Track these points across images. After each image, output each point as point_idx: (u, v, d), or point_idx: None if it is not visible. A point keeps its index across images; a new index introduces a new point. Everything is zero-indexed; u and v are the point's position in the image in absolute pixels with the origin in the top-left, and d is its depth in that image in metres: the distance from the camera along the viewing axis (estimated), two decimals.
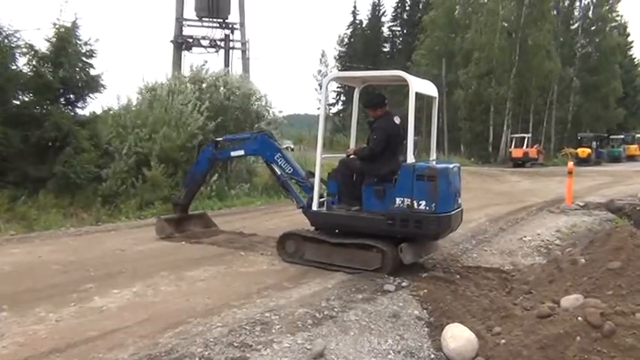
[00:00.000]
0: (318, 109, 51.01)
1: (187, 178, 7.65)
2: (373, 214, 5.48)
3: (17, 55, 10.18)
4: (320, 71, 60.68)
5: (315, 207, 5.86)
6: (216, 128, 12.01)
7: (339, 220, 5.79)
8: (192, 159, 11.58)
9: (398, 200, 5.30)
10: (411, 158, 5.32)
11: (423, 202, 5.18)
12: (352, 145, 6.48)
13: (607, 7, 39.76)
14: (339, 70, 50.72)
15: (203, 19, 20.41)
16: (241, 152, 7.13)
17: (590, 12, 40.05)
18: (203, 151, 7.42)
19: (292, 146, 22.73)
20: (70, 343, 3.63)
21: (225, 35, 20.80)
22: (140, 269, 5.67)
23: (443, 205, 5.24)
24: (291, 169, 6.34)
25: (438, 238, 5.87)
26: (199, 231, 7.64)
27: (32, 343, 3.65)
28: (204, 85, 13.34)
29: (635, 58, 47.99)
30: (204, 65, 14.06)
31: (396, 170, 5.38)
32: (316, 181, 5.86)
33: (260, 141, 6.63)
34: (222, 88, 13.16)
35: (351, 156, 5.92)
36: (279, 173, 6.44)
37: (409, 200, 5.23)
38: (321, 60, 62.33)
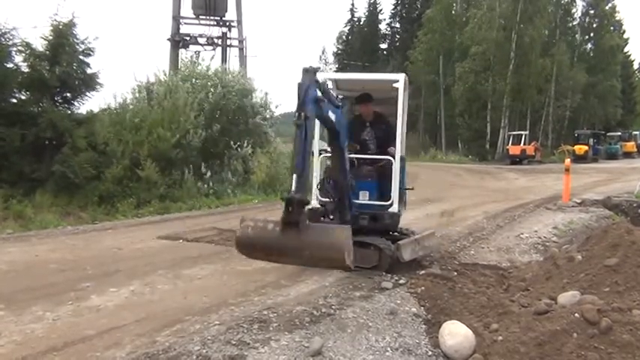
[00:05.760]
0: None
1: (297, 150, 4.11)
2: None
3: (14, 53, 10.16)
4: (318, 69, 60.62)
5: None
6: (210, 124, 12.02)
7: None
8: (188, 157, 11.57)
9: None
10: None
11: None
12: None
13: (608, 6, 39.69)
14: (336, 68, 50.80)
15: (200, 17, 20.36)
16: (333, 117, 5.24)
17: (591, 10, 40.00)
18: (307, 91, 4.50)
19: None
20: (68, 342, 3.63)
21: (223, 33, 20.77)
22: (137, 268, 5.67)
23: None
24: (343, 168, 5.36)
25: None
26: None
27: (29, 341, 3.65)
28: (198, 82, 13.31)
29: (630, 55, 48.08)
30: (195, 57, 14.02)
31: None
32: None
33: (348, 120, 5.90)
34: (219, 87, 13.12)
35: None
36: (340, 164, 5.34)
37: None
38: (320, 57, 62.31)
